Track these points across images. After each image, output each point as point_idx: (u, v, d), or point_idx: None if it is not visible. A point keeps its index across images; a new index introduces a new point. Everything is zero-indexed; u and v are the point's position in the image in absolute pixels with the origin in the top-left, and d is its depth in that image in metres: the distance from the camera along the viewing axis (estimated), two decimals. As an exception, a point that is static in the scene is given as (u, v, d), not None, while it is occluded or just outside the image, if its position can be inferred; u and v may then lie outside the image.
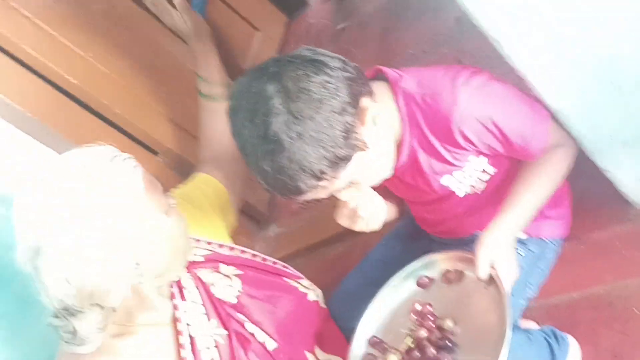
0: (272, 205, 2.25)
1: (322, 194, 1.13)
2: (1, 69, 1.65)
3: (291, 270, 1.54)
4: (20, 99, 1.64)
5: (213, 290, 1.35)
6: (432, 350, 1.17)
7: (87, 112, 1.80)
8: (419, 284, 1.29)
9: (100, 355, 1.19)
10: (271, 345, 1.35)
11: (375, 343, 1.27)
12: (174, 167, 1.97)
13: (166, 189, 1.86)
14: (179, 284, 1.31)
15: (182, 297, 1.30)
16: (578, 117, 1.15)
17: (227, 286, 1.38)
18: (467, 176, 1.24)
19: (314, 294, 1.50)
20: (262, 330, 1.35)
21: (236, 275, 1.41)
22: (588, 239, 1.42)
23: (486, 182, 1.26)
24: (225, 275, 1.40)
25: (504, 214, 1.19)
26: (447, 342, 1.17)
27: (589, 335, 1.44)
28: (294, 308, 1.43)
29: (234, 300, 1.36)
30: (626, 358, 1.37)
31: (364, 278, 1.52)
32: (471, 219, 1.35)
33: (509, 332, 1.07)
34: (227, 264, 1.42)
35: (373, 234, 1.90)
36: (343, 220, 1.22)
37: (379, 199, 1.21)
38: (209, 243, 1.45)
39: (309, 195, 1.11)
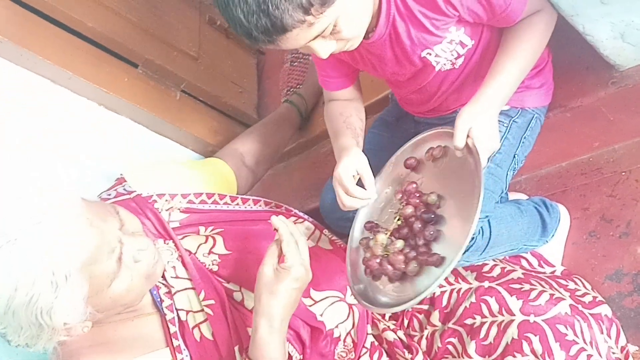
0: (260, 107, 2.25)
1: (304, 37, 1.06)
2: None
3: (276, 208, 1.52)
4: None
5: (197, 256, 1.33)
6: (418, 225, 1.21)
7: (61, 30, 1.75)
8: (406, 166, 1.30)
9: (96, 347, 1.17)
10: None
11: (370, 227, 1.30)
12: (157, 78, 1.94)
13: (151, 100, 1.90)
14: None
15: (169, 294, 1.27)
16: (555, -21, 1.12)
17: (209, 251, 1.35)
18: (445, 49, 1.22)
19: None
20: (251, 290, 1.29)
21: (217, 234, 1.38)
22: (573, 107, 1.42)
23: (464, 55, 1.25)
24: (206, 236, 1.37)
25: (486, 84, 1.18)
26: (432, 215, 1.20)
27: (579, 201, 1.48)
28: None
29: (215, 268, 1.33)
30: (615, 219, 1.41)
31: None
32: (454, 96, 1.35)
33: (481, 195, 1.09)
34: (206, 225, 1.39)
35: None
36: None
37: None
38: (184, 196, 1.41)
39: (292, 36, 1.04)
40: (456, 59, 1.25)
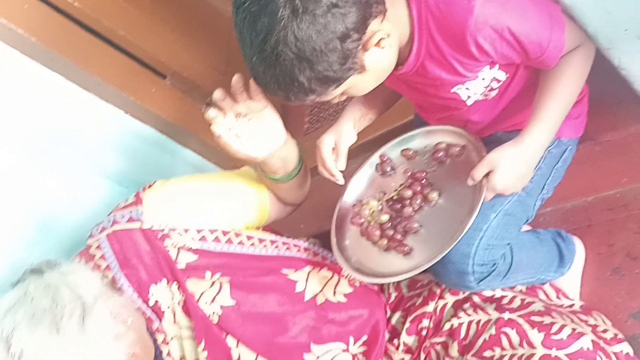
0: (284, 124, 2.24)
1: (310, 102, 1.12)
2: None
3: (294, 251, 1.44)
4: (25, 24, 1.60)
5: (199, 303, 1.29)
6: (408, 210, 1.29)
7: (93, 36, 1.78)
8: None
9: None
10: None
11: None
12: (184, 90, 1.96)
13: (177, 112, 1.91)
14: (158, 313, 1.29)
15: (165, 341, 1.29)
16: (593, 11, 1.11)
17: (213, 299, 1.30)
18: (478, 84, 1.20)
19: (313, 283, 1.40)
20: (249, 347, 1.31)
21: (225, 281, 1.32)
22: (603, 140, 1.41)
23: (498, 88, 1.24)
24: (212, 282, 1.31)
25: (531, 127, 1.16)
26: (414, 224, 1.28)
27: (605, 236, 1.46)
28: (284, 312, 1.35)
29: (216, 319, 1.29)
30: (641, 256, 1.39)
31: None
32: (486, 124, 1.33)
33: (467, 228, 1.17)
34: (213, 270, 1.32)
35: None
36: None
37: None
38: (198, 231, 1.34)
39: (297, 103, 1.10)
40: (490, 91, 1.24)
